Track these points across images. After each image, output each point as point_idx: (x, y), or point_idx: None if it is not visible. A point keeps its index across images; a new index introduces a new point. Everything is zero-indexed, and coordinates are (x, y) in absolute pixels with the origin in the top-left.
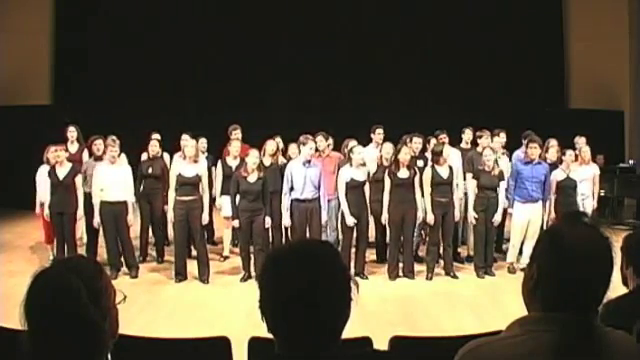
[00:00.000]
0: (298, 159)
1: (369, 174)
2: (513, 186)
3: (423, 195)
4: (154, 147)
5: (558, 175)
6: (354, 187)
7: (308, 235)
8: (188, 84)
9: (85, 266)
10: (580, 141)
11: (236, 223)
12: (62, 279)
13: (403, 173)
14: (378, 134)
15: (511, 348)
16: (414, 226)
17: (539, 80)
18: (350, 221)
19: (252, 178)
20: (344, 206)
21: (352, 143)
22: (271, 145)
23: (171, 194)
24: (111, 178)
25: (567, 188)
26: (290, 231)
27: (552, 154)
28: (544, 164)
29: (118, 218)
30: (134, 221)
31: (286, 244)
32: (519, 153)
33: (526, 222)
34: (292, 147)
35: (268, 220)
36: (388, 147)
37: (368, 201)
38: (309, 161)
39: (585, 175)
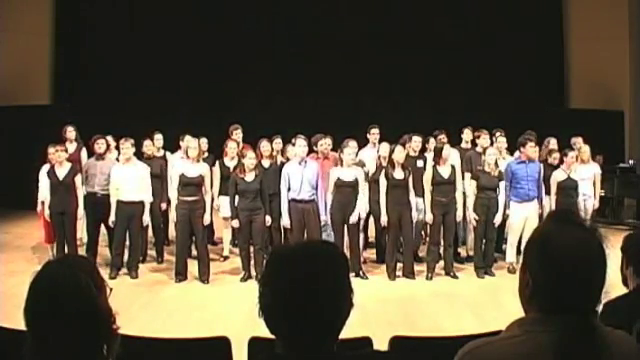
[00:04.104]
0: (294, 160)
1: (367, 174)
2: (508, 187)
3: (418, 195)
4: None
5: (559, 176)
6: (341, 187)
7: (306, 235)
8: (188, 84)
9: (85, 263)
10: (577, 141)
11: (235, 223)
12: (71, 276)
13: (399, 174)
14: (373, 134)
15: (510, 348)
16: (412, 226)
17: (539, 80)
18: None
19: (249, 177)
20: (328, 203)
21: (351, 143)
22: (266, 146)
23: (173, 194)
24: (125, 178)
25: (568, 188)
26: (288, 232)
27: (555, 158)
28: (537, 162)
29: (131, 219)
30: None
31: (289, 244)
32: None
33: (523, 221)
34: (290, 147)
35: (268, 218)
36: (385, 147)
37: (367, 201)
38: (305, 160)
39: (586, 174)
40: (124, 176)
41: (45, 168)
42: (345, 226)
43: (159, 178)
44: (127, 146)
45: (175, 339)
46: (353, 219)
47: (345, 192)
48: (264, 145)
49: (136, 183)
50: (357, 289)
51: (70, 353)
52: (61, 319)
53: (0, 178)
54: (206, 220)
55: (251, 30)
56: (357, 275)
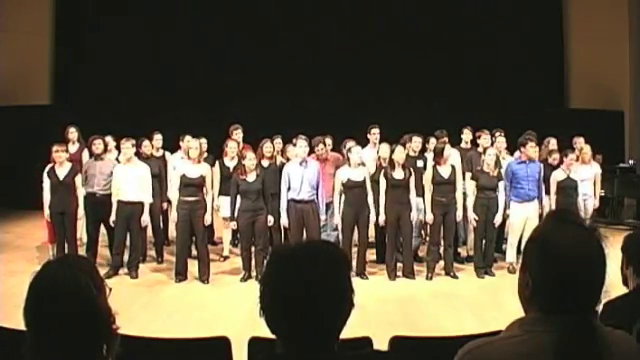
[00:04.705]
0: (295, 160)
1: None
2: (508, 187)
3: (418, 194)
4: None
5: (558, 175)
6: (352, 187)
7: (305, 235)
8: (188, 84)
9: (84, 263)
10: (579, 141)
11: (234, 225)
12: (71, 276)
13: (398, 174)
14: (374, 134)
15: (510, 348)
16: (412, 226)
17: (539, 80)
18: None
19: (251, 178)
20: (336, 206)
21: (350, 143)
22: (268, 147)
23: (174, 194)
24: (125, 178)
25: (567, 188)
26: (288, 232)
27: (555, 158)
28: (537, 162)
29: (130, 219)
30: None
31: (290, 244)
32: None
33: (524, 221)
34: (291, 147)
35: (270, 218)
36: (385, 147)
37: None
38: (305, 160)
39: (586, 175)
40: (125, 176)
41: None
42: (355, 227)
43: (157, 178)
44: (128, 146)
45: (175, 339)
46: (381, 220)
47: (355, 192)
48: (267, 146)
49: (137, 183)
50: (357, 289)
51: (70, 353)
52: (61, 319)
53: (0, 178)
54: (207, 220)
55: (251, 30)
56: (359, 275)
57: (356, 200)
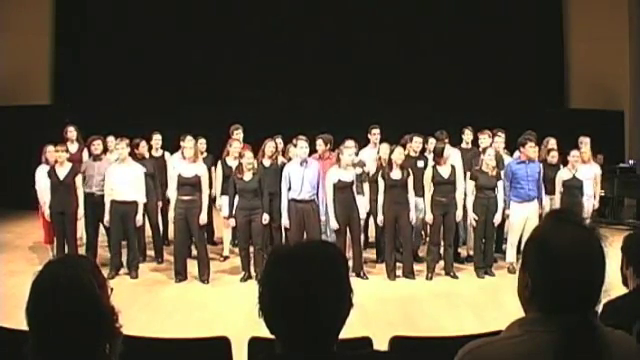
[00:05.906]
0: (295, 160)
1: (368, 174)
2: (508, 187)
3: (418, 195)
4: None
5: (564, 175)
6: (342, 188)
7: (305, 235)
8: (188, 84)
9: (86, 262)
10: (585, 141)
11: (232, 222)
12: (73, 275)
13: (396, 174)
14: (374, 134)
15: (511, 348)
16: (411, 226)
17: (539, 80)
18: (334, 225)
19: (247, 177)
20: (330, 209)
21: (349, 143)
22: (270, 146)
23: (173, 194)
24: (119, 178)
25: (572, 188)
26: (288, 231)
27: (553, 156)
28: (537, 162)
29: (125, 218)
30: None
31: (289, 244)
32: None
33: (523, 221)
34: (292, 147)
35: (265, 217)
36: (385, 148)
37: (367, 201)
38: (306, 161)
39: (587, 175)
40: (119, 176)
41: (41, 168)
42: (347, 227)
43: (151, 178)
44: (122, 146)
45: (175, 339)
46: (380, 220)
47: (347, 193)
48: (270, 145)
49: (131, 183)
50: (357, 289)
51: (73, 352)
52: (64, 318)
53: (0, 178)
54: (202, 220)
55: (252, 31)
56: (358, 275)
57: (347, 200)
